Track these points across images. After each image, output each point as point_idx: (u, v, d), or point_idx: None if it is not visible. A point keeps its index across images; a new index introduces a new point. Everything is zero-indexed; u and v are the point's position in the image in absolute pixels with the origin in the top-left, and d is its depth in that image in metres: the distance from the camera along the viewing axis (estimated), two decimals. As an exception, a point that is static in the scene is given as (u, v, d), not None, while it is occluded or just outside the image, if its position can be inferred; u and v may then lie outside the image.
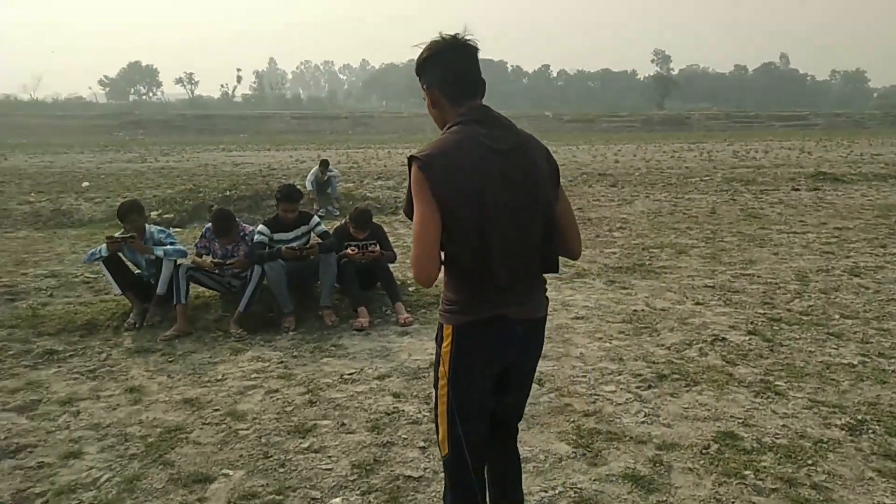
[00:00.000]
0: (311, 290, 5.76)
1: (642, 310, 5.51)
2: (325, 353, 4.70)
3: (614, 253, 7.81)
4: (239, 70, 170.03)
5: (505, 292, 1.92)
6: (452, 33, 1.92)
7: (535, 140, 2.00)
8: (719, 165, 19.26)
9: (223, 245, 5.41)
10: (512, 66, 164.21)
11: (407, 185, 1.91)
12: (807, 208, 11.08)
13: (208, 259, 5.35)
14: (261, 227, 5.45)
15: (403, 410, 3.73)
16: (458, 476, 2.11)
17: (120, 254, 5.30)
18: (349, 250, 5.66)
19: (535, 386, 3.90)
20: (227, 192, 12.54)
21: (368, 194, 13.98)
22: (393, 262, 5.92)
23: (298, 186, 13.76)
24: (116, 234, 5.21)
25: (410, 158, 1.87)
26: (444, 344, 1.98)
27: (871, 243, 8.08)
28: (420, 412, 3.70)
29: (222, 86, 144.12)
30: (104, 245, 5.13)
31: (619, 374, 4.17)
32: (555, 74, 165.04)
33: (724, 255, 7.50)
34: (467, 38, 1.92)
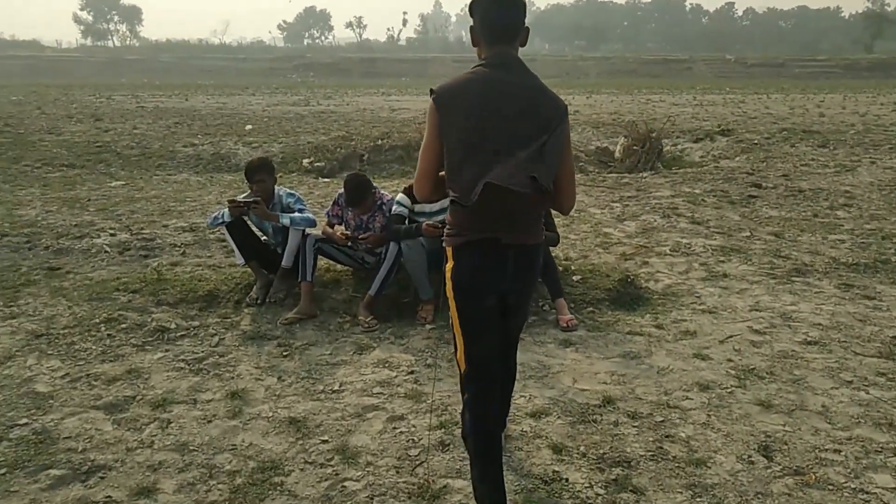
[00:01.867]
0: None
1: (907, 338, 3.93)
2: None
3: (843, 241, 6.03)
4: (405, 13, 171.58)
5: (497, 219, 2.12)
6: None
7: (550, 93, 2.18)
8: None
9: (357, 215, 4.57)
10: (691, 4, 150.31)
11: None
12: None
13: (340, 230, 4.54)
14: (400, 196, 4.52)
15: (566, 479, 2.66)
16: (476, 391, 2.27)
17: (245, 218, 4.65)
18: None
19: (761, 459, 2.68)
20: (380, 141, 11.93)
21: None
22: (555, 244, 4.79)
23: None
24: (240, 198, 4.54)
25: (432, 89, 2.14)
26: (447, 265, 2.21)
27: None
28: (591, 486, 2.61)
29: (388, 29, 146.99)
30: (227, 209, 4.49)
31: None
32: (740, 13, 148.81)
33: None
34: None
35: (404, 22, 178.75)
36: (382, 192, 4.65)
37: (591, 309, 4.50)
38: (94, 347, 3.89)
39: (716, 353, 3.79)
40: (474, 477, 2.29)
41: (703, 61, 78.57)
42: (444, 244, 2.23)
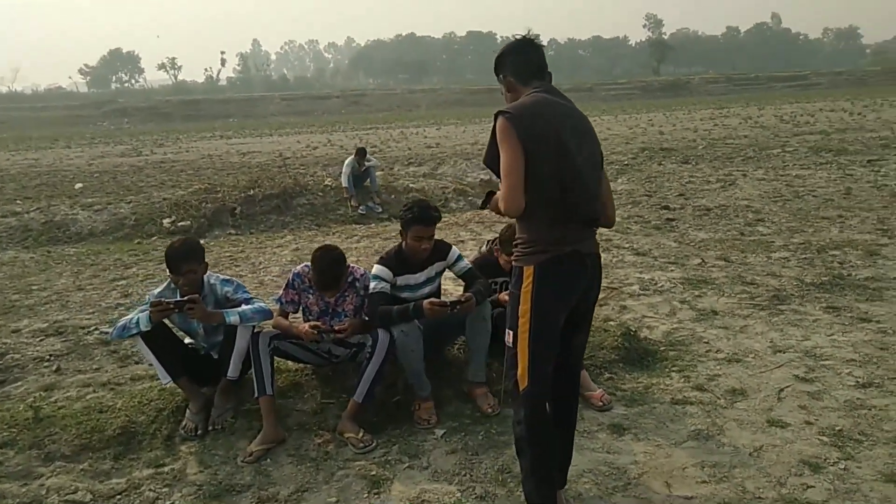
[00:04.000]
0: (442, 353, 3.95)
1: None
2: (516, 479, 2.88)
3: (787, 260, 6.00)
4: (223, 53, 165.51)
5: (577, 230, 2.32)
6: (523, 34, 2.46)
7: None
8: (780, 133, 17.38)
9: (321, 297, 3.56)
10: (501, 37, 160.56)
11: (491, 137, 2.29)
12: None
13: (301, 323, 3.50)
14: (378, 268, 3.58)
15: None
16: (536, 409, 2.35)
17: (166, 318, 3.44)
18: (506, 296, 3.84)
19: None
20: (251, 191, 10.59)
21: (411, 185, 12.06)
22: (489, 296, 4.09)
23: (329, 182, 11.98)
24: (166, 298, 3.34)
25: (498, 113, 2.27)
26: (525, 284, 2.29)
27: None
28: None
29: (206, 70, 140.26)
30: (143, 314, 3.27)
31: None
32: (545, 43, 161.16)
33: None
34: (533, 36, 2.47)
35: (223, 62, 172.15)
36: (353, 265, 3.67)
37: (607, 375, 3.86)
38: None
39: (785, 414, 3.29)
40: (533, 478, 2.40)
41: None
42: (519, 264, 2.34)
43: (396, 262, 3.59)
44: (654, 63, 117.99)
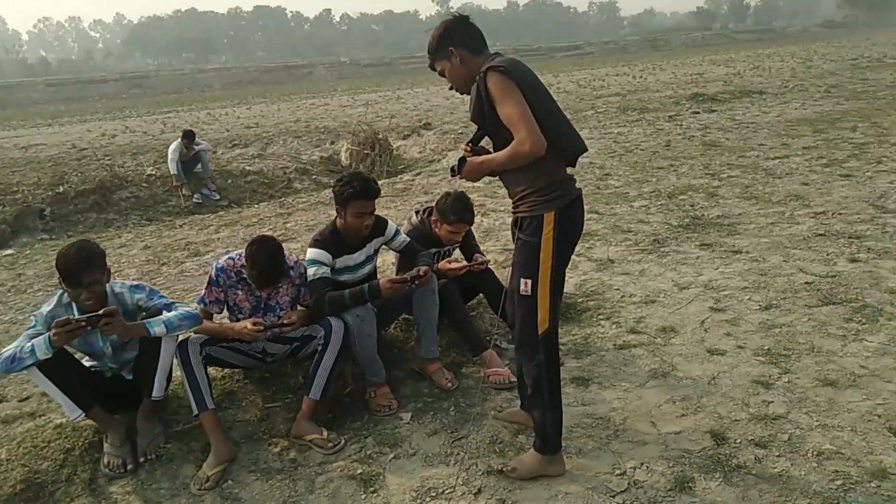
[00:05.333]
0: (381, 333, 3.71)
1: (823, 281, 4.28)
2: (511, 447, 2.81)
3: (648, 207, 6.52)
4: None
5: (570, 172, 2.51)
6: (457, 13, 2.53)
7: None
8: (583, 97, 18.82)
9: (250, 293, 3.13)
10: (291, 12, 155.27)
11: (478, 96, 2.35)
12: (744, 129, 10.74)
13: (236, 323, 3.06)
14: (313, 251, 3.22)
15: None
16: (553, 345, 2.49)
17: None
18: (449, 264, 3.69)
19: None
20: (60, 188, 9.12)
21: (248, 167, 11.22)
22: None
23: (151, 171, 10.73)
24: (73, 314, 2.71)
25: (489, 69, 2.31)
26: (546, 231, 2.35)
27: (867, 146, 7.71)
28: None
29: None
30: (38, 339, 2.62)
31: None
32: (338, 19, 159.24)
33: (771, 195, 6.56)
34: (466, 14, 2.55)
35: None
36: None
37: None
38: None
39: (717, 343, 3.58)
40: (555, 412, 2.52)
41: (321, 65, 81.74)
42: (536, 212, 2.36)
43: (333, 242, 3.27)
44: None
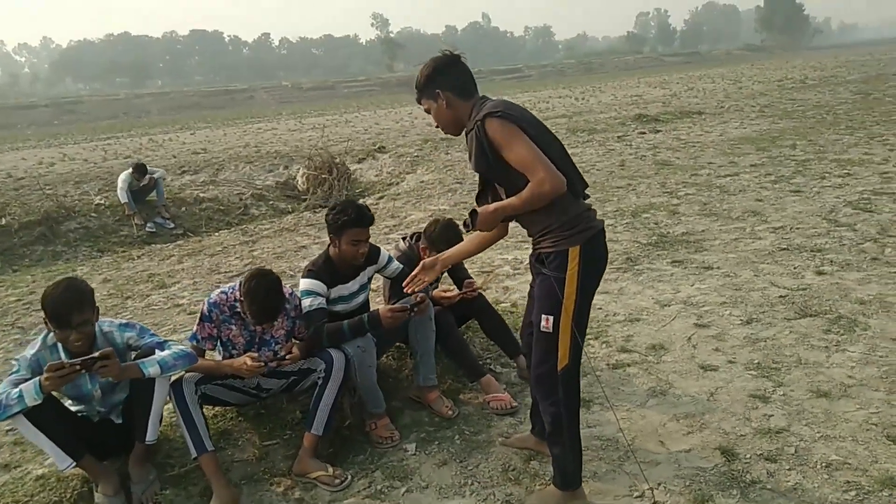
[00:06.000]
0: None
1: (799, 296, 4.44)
2: (526, 474, 2.77)
3: (615, 226, 6.66)
4: None
5: (589, 205, 2.44)
6: (449, 51, 2.45)
7: None
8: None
9: (244, 328, 3.02)
10: (229, 35, 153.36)
11: (479, 145, 2.29)
12: (691, 148, 11.13)
13: (233, 360, 2.93)
14: (307, 281, 3.14)
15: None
16: (573, 382, 2.41)
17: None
18: (444, 292, 3.65)
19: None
20: (1, 221, 8.64)
21: (201, 194, 10.90)
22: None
23: (99, 200, 10.31)
24: (60, 356, 2.54)
25: (486, 116, 2.25)
26: (571, 267, 2.29)
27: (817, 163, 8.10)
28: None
29: None
30: (28, 385, 2.44)
31: None
32: (277, 43, 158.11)
33: (730, 212, 6.80)
34: (458, 53, 2.47)
35: None
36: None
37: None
38: None
39: (708, 358, 3.66)
40: (573, 451, 2.46)
41: (263, 89, 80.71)
42: (561, 247, 2.30)
43: (327, 272, 3.20)
44: (388, 60, 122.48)
